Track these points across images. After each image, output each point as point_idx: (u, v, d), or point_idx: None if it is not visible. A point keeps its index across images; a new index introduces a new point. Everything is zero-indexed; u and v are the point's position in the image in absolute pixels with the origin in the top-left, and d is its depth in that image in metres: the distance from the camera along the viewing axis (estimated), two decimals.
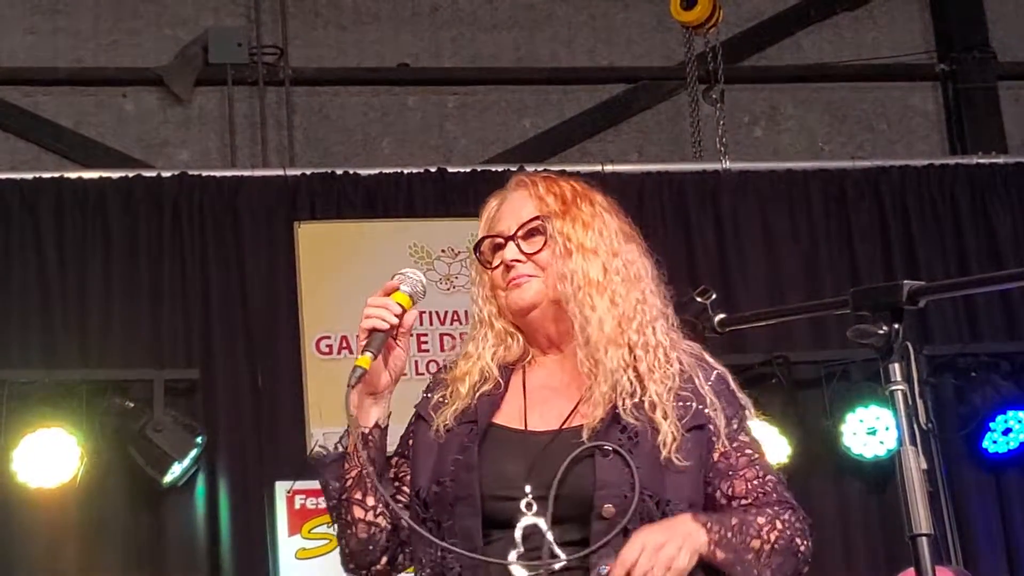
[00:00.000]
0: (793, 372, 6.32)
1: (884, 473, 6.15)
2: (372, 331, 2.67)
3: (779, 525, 2.62)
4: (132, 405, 5.99)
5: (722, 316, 2.63)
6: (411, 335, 2.78)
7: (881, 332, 2.33)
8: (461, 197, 6.59)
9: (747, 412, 2.75)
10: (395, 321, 2.69)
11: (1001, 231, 6.87)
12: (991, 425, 6.30)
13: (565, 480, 2.57)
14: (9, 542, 5.92)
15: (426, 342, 6.39)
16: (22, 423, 5.82)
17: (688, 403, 2.67)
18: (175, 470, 5.94)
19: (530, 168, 6.64)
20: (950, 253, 6.82)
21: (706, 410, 2.68)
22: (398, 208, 6.58)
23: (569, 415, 2.67)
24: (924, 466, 2.29)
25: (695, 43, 7.18)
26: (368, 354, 2.65)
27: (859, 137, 7.61)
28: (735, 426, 2.70)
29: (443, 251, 6.53)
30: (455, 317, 6.43)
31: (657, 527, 2.52)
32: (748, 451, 2.70)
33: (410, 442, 2.76)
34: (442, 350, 6.37)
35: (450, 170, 6.67)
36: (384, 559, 2.71)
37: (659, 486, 2.58)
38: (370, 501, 2.68)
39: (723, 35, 7.18)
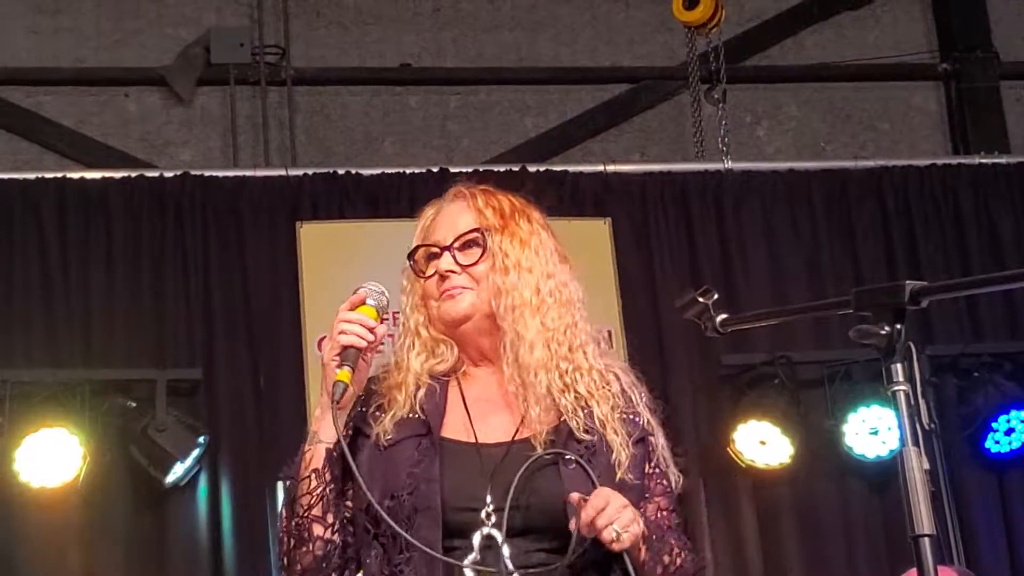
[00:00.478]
0: (795, 372, 6.31)
1: (886, 473, 6.15)
2: (348, 347, 2.67)
3: (684, 555, 2.70)
4: (134, 405, 6.00)
5: (724, 316, 2.63)
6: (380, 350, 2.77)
7: (883, 332, 2.33)
8: None
9: (664, 441, 2.80)
10: (372, 339, 2.69)
11: (1003, 231, 6.87)
12: (993, 425, 6.29)
13: (533, 490, 2.59)
14: (11, 542, 5.91)
15: None
16: (24, 423, 5.82)
17: (633, 418, 2.74)
18: (177, 470, 5.95)
19: (532, 168, 6.70)
20: (952, 253, 6.82)
21: (646, 425, 2.75)
22: (400, 208, 6.57)
23: (517, 429, 2.69)
24: (926, 466, 2.28)
25: (697, 43, 7.17)
26: (347, 368, 2.66)
27: (861, 137, 7.60)
28: (659, 451, 2.77)
29: None
30: None
31: (614, 492, 2.56)
32: (664, 482, 2.76)
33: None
34: None
35: (452, 170, 6.65)
36: None
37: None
38: (330, 518, 2.68)
39: (725, 35, 7.17)
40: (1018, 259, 6.72)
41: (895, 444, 6.05)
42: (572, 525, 2.53)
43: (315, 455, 2.68)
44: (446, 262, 2.77)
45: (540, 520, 2.58)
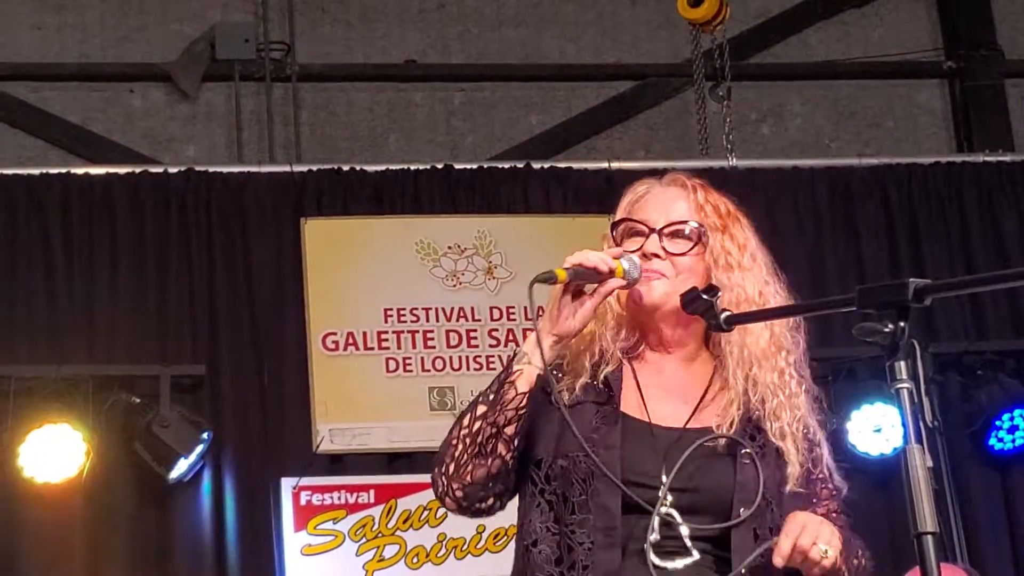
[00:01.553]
0: None
1: (890, 471, 6.14)
2: (578, 264, 2.62)
3: (866, 554, 2.73)
4: (138, 401, 6.00)
5: (728, 313, 2.64)
6: (600, 304, 2.69)
7: (887, 330, 2.32)
8: (468, 194, 6.60)
9: (828, 448, 2.81)
10: (604, 270, 2.63)
11: (1007, 229, 6.87)
12: (997, 423, 6.30)
13: (706, 474, 2.62)
14: (15, 537, 5.92)
15: (432, 338, 6.39)
16: (28, 418, 5.83)
17: (806, 431, 2.74)
18: (181, 466, 5.95)
19: (536, 165, 6.70)
20: (956, 251, 6.81)
21: (813, 435, 2.76)
22: (405, 205, 6.58)
23: (691, 416, 2.70)
24: (930, 464, 2.28)
25: (702, 40, 7.16)
26: (568, 271, 2.60)
27: (866, 134, 7.60)
28: (825, 458, 2.78)
29: (449, 247, 6.53)
30: (460, 314, 6.43)
31: (805, 513, 2.59)
32: (830, 485, 2.79)
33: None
34: (448, 346, 6.37)
35: (457, 167, 6.67)
36: (491, 500, 2.70)
37: (780, 503, 2.65)
38: (516, 441, 2.64)
39: (730, 32, 7.17)
40: (1022, 257, 6.71)
41: (898, 442, 6.02)
42: (777, 561, 2.53)
43: (524, 373, 2.63)
44: (652, 244, 2.74)
45: (709, 503, 2.61)
